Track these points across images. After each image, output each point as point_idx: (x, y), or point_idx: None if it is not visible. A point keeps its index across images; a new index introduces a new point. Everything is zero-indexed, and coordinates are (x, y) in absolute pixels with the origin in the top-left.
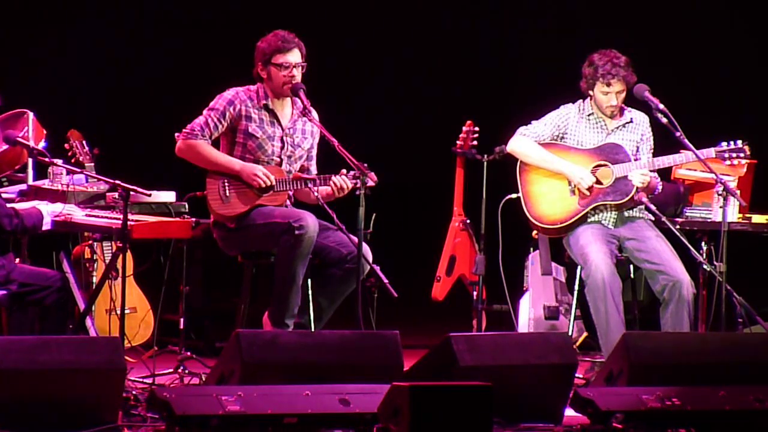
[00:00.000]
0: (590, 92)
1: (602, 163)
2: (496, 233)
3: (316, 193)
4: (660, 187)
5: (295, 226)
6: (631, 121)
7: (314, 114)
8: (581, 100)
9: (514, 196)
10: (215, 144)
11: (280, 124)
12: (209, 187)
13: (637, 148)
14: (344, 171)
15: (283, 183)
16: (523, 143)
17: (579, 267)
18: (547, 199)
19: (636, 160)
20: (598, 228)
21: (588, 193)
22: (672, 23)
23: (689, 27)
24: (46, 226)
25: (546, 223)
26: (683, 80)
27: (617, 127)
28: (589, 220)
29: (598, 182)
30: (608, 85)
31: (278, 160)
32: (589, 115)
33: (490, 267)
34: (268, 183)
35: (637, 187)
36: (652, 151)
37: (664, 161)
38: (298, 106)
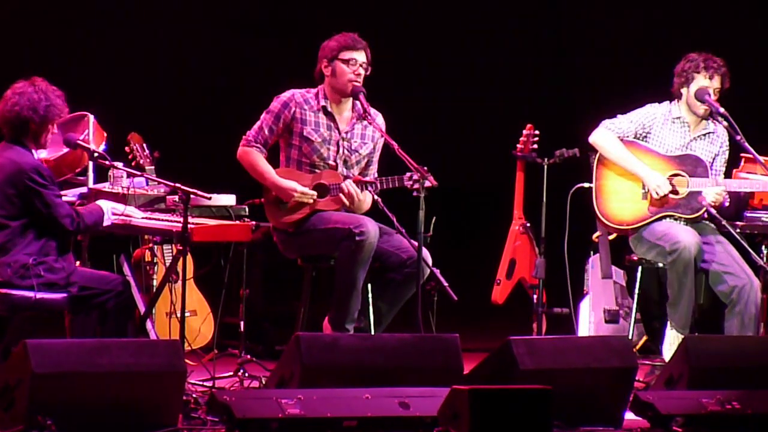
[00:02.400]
0: (682, 91)
1: (680, 173)
2: (556, 237)
3: (376, 196)
4: (726, 204)
5: (355, 232)
6: (714, 132)
7: (379, 119)
8: (668, 102)
9: (586, 185)
10: (276, 146)
11: (337, 128)
12: (266, 194)
13: (714, 159)
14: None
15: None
16: (606, 137)
17: (639, 269)
18: (619, 197)
19: (715, 175)
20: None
21: (660, 201)
22: (729, 27)
23: (748, 32)
24: (107, 222)
25: (611, 221)
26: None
27: (699, 135)
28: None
29: (674, 192)
30: (711, 78)
31: (334, 164)
32: (675, 119)
33: (550, 270)
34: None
35: (706, 205)
36: (725, 165)
37: (742, 185)
38: (357, 110)
